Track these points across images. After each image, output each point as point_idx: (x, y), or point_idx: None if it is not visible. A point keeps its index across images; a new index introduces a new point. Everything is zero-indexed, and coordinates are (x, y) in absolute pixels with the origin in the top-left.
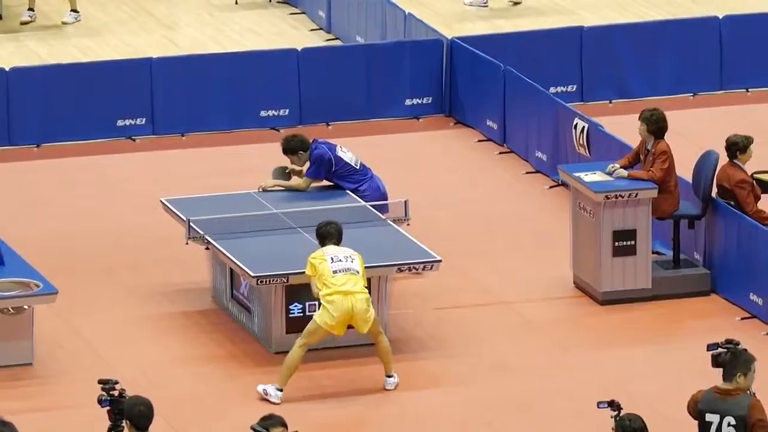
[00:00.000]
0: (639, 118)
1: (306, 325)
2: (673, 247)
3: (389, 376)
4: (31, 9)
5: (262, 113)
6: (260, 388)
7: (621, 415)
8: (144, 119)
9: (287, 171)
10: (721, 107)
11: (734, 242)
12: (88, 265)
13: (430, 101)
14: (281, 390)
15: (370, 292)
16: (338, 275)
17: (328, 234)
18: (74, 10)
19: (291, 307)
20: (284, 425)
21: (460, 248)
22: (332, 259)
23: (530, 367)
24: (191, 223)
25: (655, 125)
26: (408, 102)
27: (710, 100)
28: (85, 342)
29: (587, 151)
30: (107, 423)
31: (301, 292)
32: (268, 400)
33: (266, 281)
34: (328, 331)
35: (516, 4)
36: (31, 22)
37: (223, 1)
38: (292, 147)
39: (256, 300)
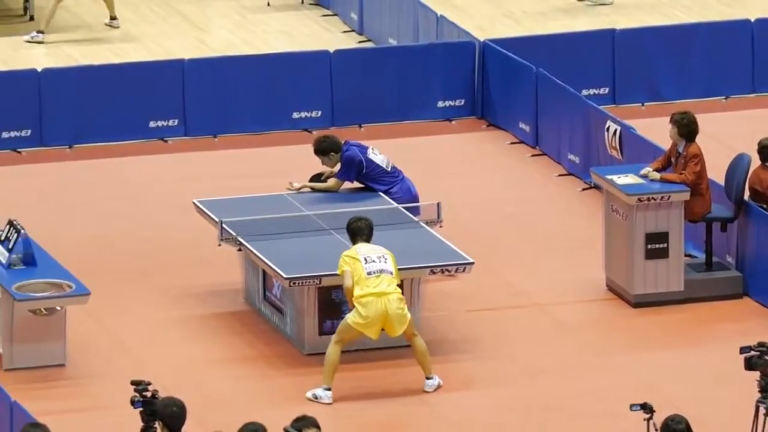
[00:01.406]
0: (670, 121)
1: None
2: (705, 250)
3: (429, 378)
4: (113, 18)
5: (295, 115)
6: (309, 394)
7: (666, 416)
8: (176, 121)
9: (323, 179)
10: (753, 110)
11: (766, 245)
12: (121, 266)
13: (462, 103)
14: (329, 389)
15: (402, 294)
16: (372, 277)
17: (359, 230)
18: (114, 18)
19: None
20: (317, 426)
21: (492, 250)
22: (366, 259)
23: (563, 370)
24: (224, 225)
25: (686, 128)
26: (440, 104)
27: (742, 102)
28: (118, 343)
29: (619, 153)
30: (140, 424)
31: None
32: (320, 403)
33: (299, 283)
34: (360, 331)
35: (602, 4)
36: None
37: (255, 2)
38: (323, 148)
39: (289, 301)
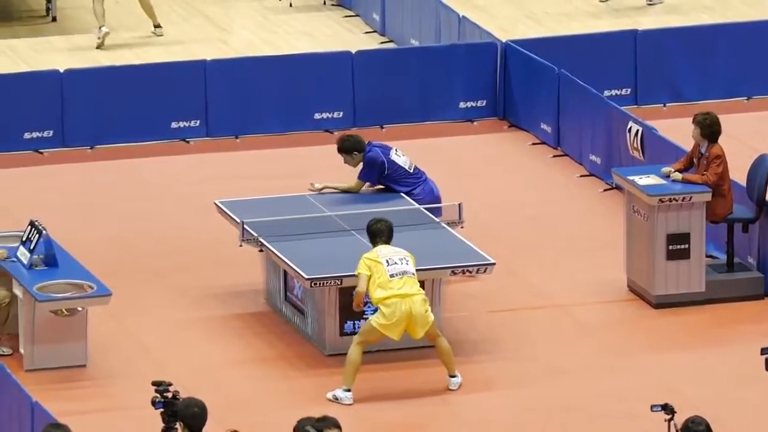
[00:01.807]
0: (693, 122)
1: (361, 328)
2: (726, 251)
3: (452, 376)
4: (157, 26)
5: (316, 116)
6: (330, 395)
7: (687, 418)
8: (198, 121)
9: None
10: None
11: None
12: (142, 267)
13: (484, 104)
14: (349, 390)
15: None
16: (395, 279)
17: (379, 231)
18: (158, 26)
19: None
20: (338, 427)
21: (513, 251)
22: (388, 261)
23: (583, 370)
24: (245, 225)
25: (709, 129)
26: (462, 105)
27: (764, 103)
28: (139, 344)
29: (641, 154)
30: (161, 425)
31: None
32: (340, 404)
33: (320, 283)
34: (383, 333)
35: (651, 4)
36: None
37: (277, 3)
38: (347, 147)
39: (310, 302)
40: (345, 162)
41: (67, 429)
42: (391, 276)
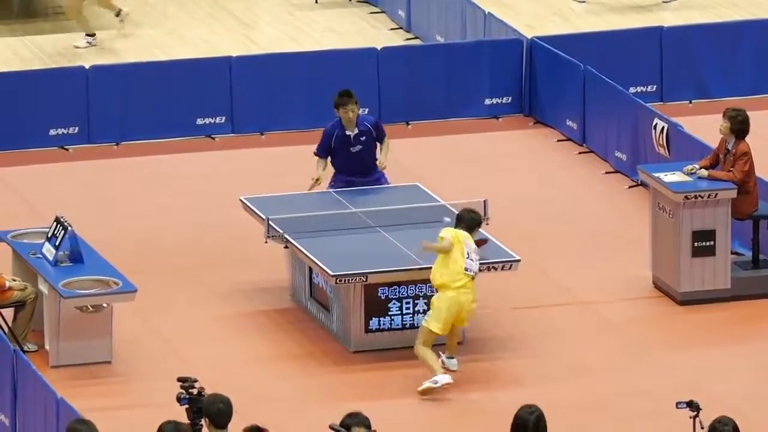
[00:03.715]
0: (723, 116)
1: (383, 329)
2: (752, 248)
3: (450, 357)
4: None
5: None
6: (425, 386)
7: (714, 419)
8: (223, 118)
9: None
10: None
11: None
12: (167, 264)
13: (509, 101)
14: (439, 372)
15: None
16: (465, 273)
17: (460, 218)
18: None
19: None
20: (367, 426)
21: (538, 248)
22: (468, 254)
23: (609, 367)
24: (270, 222)
25: (740, 125)
26: (487, 101)
27: None
28: (164, 340)
29: (667, 151)
30: (186, 421)
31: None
32: (436, 388)
33: (345, 280)
34: (438, 333)
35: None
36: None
37: (302, 0)
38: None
39: (335, 299)
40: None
41: (92, 425)
42: (465, 269)
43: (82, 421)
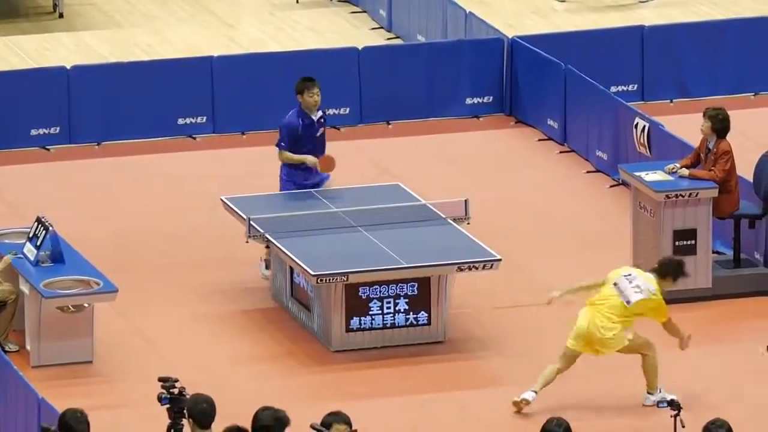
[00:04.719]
0: (704, 116)
1: (364, 329)
2: (733, 247)
3: (649, 393)
4: None
5: None
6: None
7: (708, 421)
8: (204, 117)
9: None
10: None
11: None
12: (148, 264)
13: (490, 100)
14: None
15: (429, 292)
16: (609, 288)
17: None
18: None
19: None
20: (348, 424)
21: (520, 247)
22: (627, 275)
23: (590, 367)
24: (251, 222)
25: (721, 124)
26: (468, 101)
27: None
28: (145, 340)
29: (648, 150)
30: (167, 421)
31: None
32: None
33: (326, 280)
34: (571, 348)
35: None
36: None
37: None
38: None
39: (316, 298)
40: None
41: (85, 414)
42: (614, 284)
43: (76, 410)
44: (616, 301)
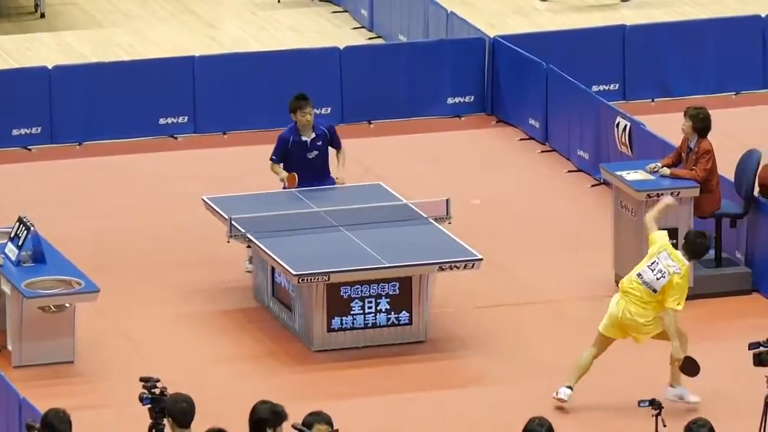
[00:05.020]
0: (685, 115)
1: (345, 328)
2: (714, 246)
3: (671, 386)
4: None
5: None
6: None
7: (690, 420)
8: (186, 117)
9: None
10: (763, 106)
11: None
12: (130, 264)
13: (472, 100)
14: (570, 388)
15: (411, 291)
16: (633, 279)
17: (687, 239)
18: None
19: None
20: (329, 423)
21: (501, 247)
22: (651, 265)
23: (572, 366)
24: (233, 222)
25: (702, 123)
26: (450, 100)
27: (753, 98)
28: (127, 340)
29: (629, 149)
30: (148, 421)
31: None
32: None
33: (308, 279)
34: (605, 334)
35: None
36: None
37: None
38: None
39: (298, 298)
40: None
41: (68, 414)
42: (638, 275)
43: (58, 409)
44: (644, 290)
